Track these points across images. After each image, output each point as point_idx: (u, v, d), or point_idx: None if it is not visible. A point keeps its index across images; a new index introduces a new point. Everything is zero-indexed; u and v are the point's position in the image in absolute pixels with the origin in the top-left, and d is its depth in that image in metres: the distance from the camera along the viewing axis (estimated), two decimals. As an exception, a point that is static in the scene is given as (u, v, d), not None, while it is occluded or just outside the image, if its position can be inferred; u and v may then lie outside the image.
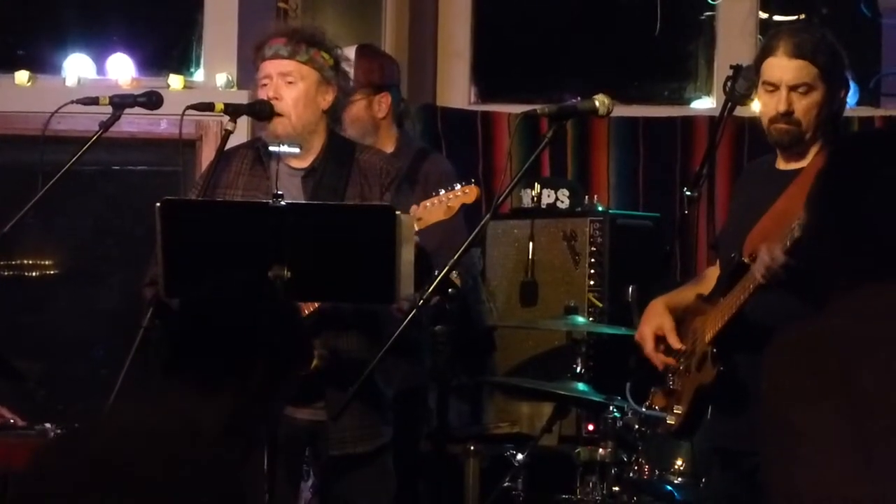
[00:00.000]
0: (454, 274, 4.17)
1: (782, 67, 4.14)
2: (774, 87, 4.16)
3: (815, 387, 2.37)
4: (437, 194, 4.36)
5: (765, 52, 4.21)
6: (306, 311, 4.31)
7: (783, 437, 2.39)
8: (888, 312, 2.41)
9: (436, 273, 4.11)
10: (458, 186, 4.36)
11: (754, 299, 3.96)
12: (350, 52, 5.03)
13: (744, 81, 4.43)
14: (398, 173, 4.59)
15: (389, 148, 5.34)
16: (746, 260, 4.03)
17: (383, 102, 5.38)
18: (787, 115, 4.14)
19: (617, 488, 5.01)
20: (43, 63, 6.64)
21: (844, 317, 2.43)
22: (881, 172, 2.48)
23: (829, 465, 2.33)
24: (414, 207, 4.32)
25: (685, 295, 4.39)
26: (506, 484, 5.12)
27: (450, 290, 3.97)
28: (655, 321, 4.32)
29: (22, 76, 6.52)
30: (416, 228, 4.26)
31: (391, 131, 5.44)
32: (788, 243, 3.80)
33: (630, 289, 5.44)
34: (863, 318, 2.41)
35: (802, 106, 4.14)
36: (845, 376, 2.33)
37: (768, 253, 3.87)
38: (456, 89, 7.03)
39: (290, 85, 4.45)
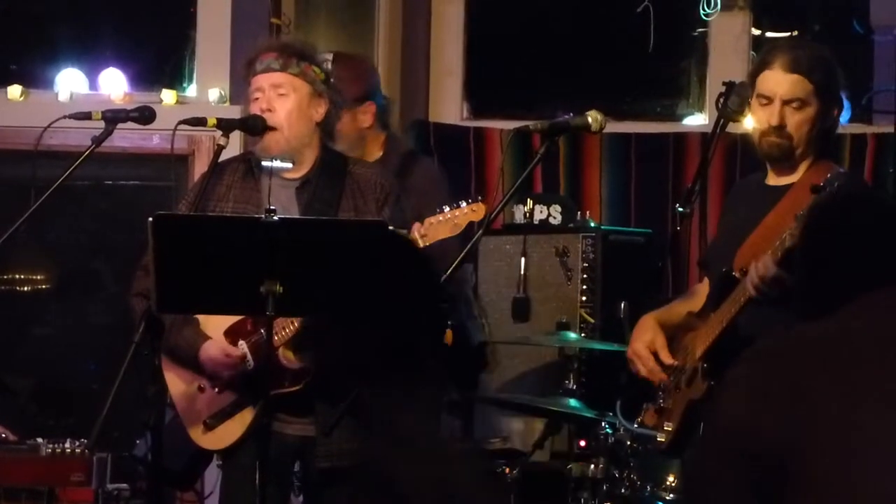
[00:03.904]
0: None
1: (777, 81, 4.15)
2: (768, 100, 4.16)
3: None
4: (442, 210, 4.33)
5: (761, 65, 4.21)
6: (294, 326, 4.31)
7: None
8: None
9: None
10: (465, 204, 4.31)
11: (745, 313, 3.96)
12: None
13: (736, 98, 4.44)
14: (392, 188, 4.58)
15: (378, 153, 5.29)
16: (737, 274, 4.04)
17: (368, 112, 5.31)
18: (780, 128, 4.14)
19: (608, 504, 5.01)
20: (35, 78, 6.64)
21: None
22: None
23: None
24: (417, 225, 4.31)
25: (675, 311, 4.38)
26: (498, 500, 5.11)
27: (444, 304, 3.95)
28: (647, 337, 4.32)
29: (14, 91, 6.52)
30: (421, 245, 4.25)
31: (378, 136, 5.38)
32: (779, 254, 3.80)
33: (622, 305, 5.44)
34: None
35: (795, 121, 4.15)
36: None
37: (760, 265, 3.87)
38: (448, 105, 7.03)
39: (283, 97, 4.44)
